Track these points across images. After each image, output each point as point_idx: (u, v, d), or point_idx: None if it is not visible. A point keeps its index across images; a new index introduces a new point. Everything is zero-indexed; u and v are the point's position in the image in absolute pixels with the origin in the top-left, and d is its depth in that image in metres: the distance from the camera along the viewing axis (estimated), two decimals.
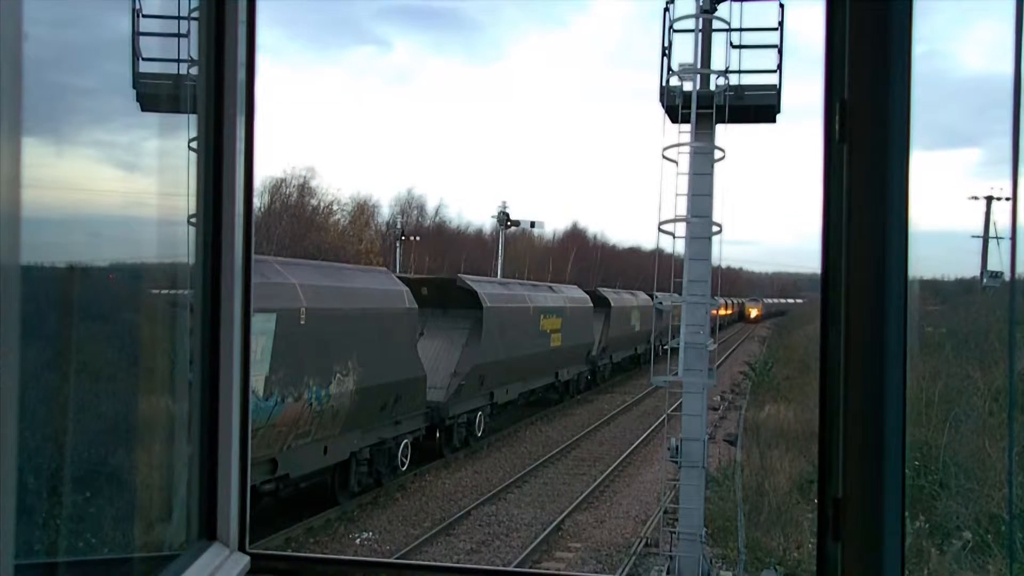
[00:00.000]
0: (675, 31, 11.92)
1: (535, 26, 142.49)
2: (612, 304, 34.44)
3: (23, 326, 1.12)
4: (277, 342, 12.45)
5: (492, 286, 23.22)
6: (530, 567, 13.13)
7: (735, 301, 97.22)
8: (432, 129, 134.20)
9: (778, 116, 12.17)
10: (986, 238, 39.02)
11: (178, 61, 2.27)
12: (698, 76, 11.92)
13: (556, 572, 12.87)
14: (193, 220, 2.24)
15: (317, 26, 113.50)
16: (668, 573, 11.97)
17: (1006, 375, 16.05)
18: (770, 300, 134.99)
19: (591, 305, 31.25)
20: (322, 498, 15.27)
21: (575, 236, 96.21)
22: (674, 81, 11.98)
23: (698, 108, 11.56)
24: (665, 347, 14.04)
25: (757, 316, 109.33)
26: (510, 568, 11.58)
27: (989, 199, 39.35)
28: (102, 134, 2.09)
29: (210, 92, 2.22)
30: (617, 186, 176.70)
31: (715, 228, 11.84)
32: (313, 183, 65.49)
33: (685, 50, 12.06)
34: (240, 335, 2.29)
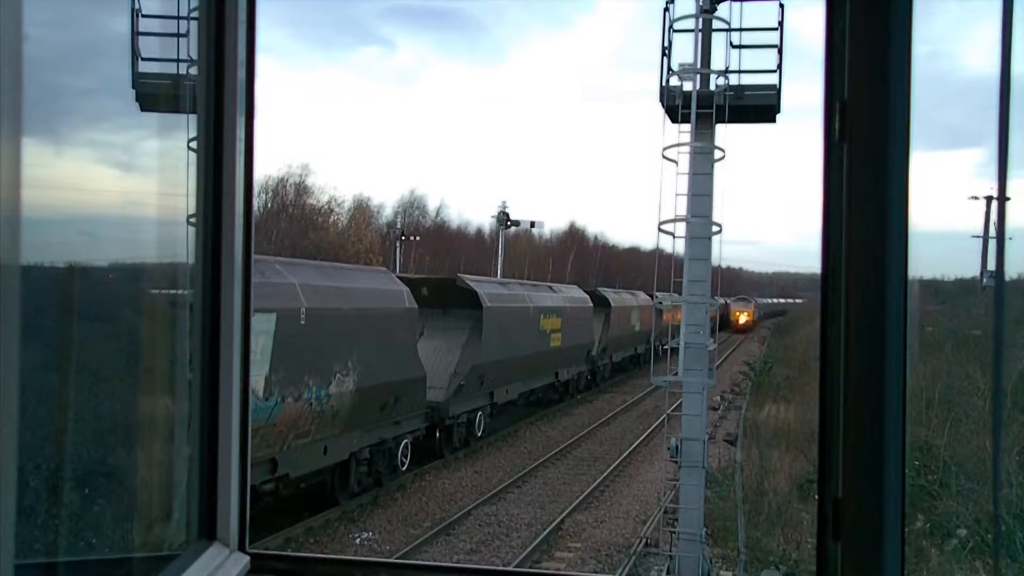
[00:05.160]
0: (675, 31, 11.92)
1: (539, 27, 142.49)
2: (612, 304, 34.44)
3: (23, 326, 1.12)
4: (277, 342, 12.45)
5: (492, 286, 23.21)
6: (530, 567, 13.13)
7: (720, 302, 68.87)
8: (434, 129, 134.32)
9: (778, 116, 12.18)
10: (986, 238, 39.06)
11: (178, 61, 2.27)
12: (698, 76, 11.92)
13: (556, 572, 12.87)
14: (193, 220, 2.24)
15: (321, 26, 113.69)
16: (668, 573, 11.97)
17: (1007, 375, 16.05)
18: (769, 300, 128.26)
19: (591, 305, 31.25)
20: (322, 498, 15.27)
21: (575, 236, 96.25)
22: (674, 81, 11.99)
23: (698, 108, 11.56)
24: (665, 347, 14.02)
25: (747, 323, 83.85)
26: (510, 568, 11.57)
27: (989, 199, 39.36)
28: (101, 134, 2.09)
29: (210, 92, 2.22)
30: (617, 186, 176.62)
31: (715, 228, 11.85)
32: (314, 183, 65.63)
33: (685, 50, 12.08)
34: (240, 335, 2.29)
